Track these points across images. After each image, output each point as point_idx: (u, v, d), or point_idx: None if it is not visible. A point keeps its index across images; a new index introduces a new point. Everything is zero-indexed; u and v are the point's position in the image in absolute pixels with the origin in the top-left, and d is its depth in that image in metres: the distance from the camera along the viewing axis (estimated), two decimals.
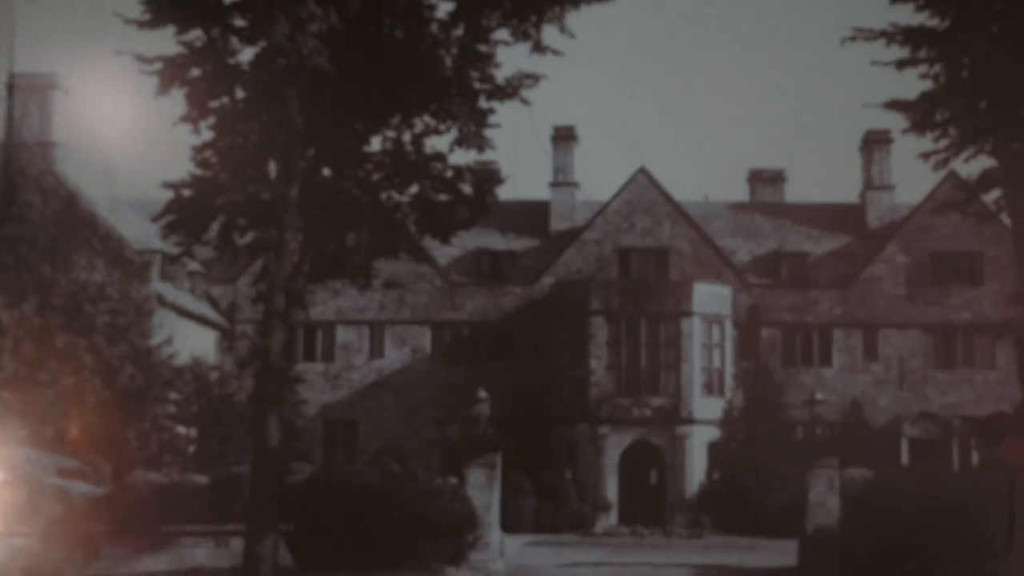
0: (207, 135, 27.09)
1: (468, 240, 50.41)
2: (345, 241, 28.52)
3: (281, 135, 26.63)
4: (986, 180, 30.17)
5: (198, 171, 27.25)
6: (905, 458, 50.16)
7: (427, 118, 27.76)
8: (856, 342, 52.40)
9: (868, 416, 51.34)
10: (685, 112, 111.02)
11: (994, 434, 8.67)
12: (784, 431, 49.79)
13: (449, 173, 28.30)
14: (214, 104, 26.88)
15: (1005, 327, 33.57)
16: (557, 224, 56.32)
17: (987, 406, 47.51)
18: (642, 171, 54.91)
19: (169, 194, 27.48)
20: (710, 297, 50.72)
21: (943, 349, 52.55)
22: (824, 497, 29.03)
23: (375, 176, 28.33)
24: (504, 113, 29.98)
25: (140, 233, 47.10)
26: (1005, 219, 32.77)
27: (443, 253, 50.35)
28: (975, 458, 45.07)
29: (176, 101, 26.74)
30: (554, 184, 56.83)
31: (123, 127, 41.09)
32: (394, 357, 53.13)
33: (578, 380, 50.23)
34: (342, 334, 53.21)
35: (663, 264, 53.84)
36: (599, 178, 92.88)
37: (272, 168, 27.26)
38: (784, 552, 31.48)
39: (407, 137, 27.98)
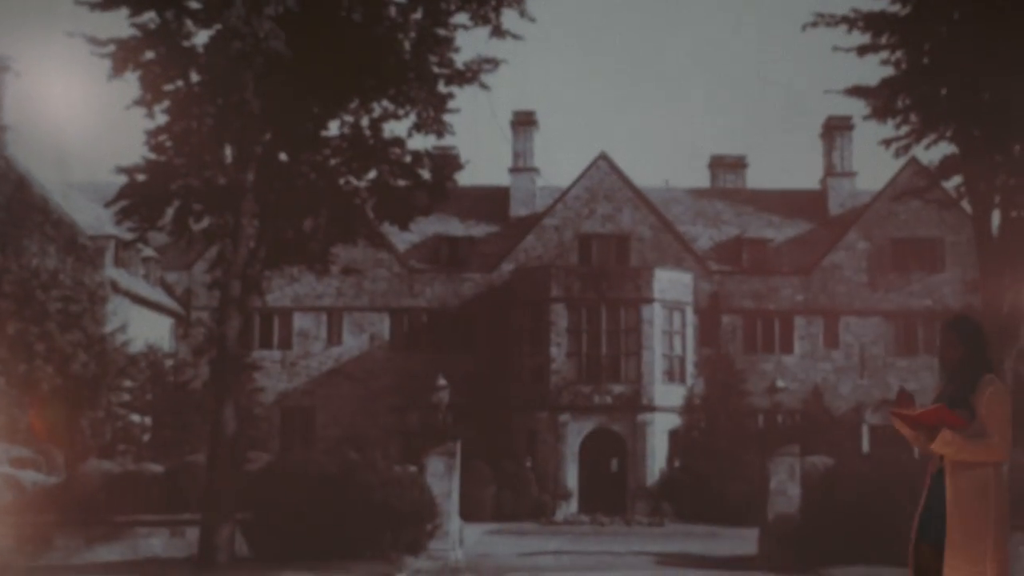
0: (161, 119, 27.00)
1: (427, 226, 50.44)
2: (302, 226, 28.47)
3: (237, 119, 26.55)
4: (947, 167, 30.31)
5: (152, 156, 27.15)
6: (866, 445, 50.46)
7: (385, 103, 27.74)
8: (817, 329, 52.65)
9: (829, 403, 51.62)
10: (646, 98, 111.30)
11: (929, 428, 8.89)
12: (745, 419, 50.00)
13: (408, 158, 28.29)
14: (168, 88, 26.79)
15: (965, 313, 33.76)
16: (517, 210, 56.36)
17: None
18: (603, 157, 54.98)
19: (123, 179, 27.38)
20: (671, 284, 50.86)
21: (904, 336, 52.85)
22: (785, 485, 29.16)
23: (333, 161, 28.28)
24: (463, 98, 29.98)
25: (93, 218, 46.87)
26: (966, 206, 32.96)
27: (402, 239, 50.35)
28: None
29: (130, 84, 26.65)
30: (514, 170, 56.84)
31: (75, 110, 40.85)
32: (352, 344, 53.07)
33: (538, 367, 50.31)
34: (299, 321, 53.12)
35: (624, 250, 53.94)
36: (559, 164, 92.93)
37: (228, 153, 27.19)
38: (745, 540, 31.63)
39: (365, 122, 27.95)
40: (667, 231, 54.01)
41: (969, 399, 9.12)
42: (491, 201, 56.47)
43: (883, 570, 24.82)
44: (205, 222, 27.78)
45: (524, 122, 56.92)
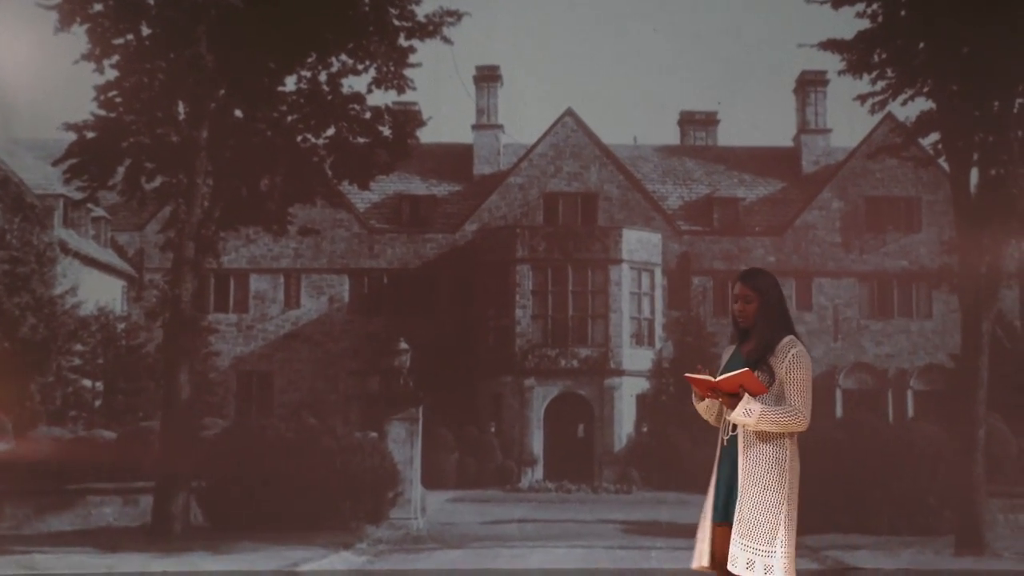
0: (111, 74, 26.85)
1: (388, 185, 50.23)
2: (258, 186, 28.41)
3: (190, 74, 26.42)
4: (924, 123, 30.34)
5: (102, 112, 27.01)
6: (839, 410, 50.71)
7: (344, 57, 27.67)
8: (790, 291, 52.75)
9: None
10: (614, 52, 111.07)
11: (729, 395, 8.54)
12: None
13: (367, 115, 28.25)
14: (118, 41, 26.64)
15: (942, 274, 33.86)
16: (480, 168, 56.21)
17: (923, 356, 48.15)
18: (569, 113, 54.87)
19: (71, 136, 27.22)
20: (640, 244, 50.90)
21: (878, 298, 53.03)
22: None
23: (290, 118, 28.20)
24: (425, 52, 29.82)
25: (41, 177, 46.53)
26: (943, 164, 33.06)
27: (361, 198, 50.17)
28: (911, 409, 45.63)
29: (78, 38, 26.46)
30: (477, 127, 56.64)
31: (21, 65, 40.50)
32: (310, 307, 52.94)
33: (503, 330, 50.31)
34: (256, 283, 52.92)
35: (591, 210, 53.89)
36: (524, 121, 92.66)
37: (181, 109, 27.07)
38: None
39: (323, 77, 27.89)
40: (635, 190, 54.00)
41: (767, 361, 8.63)
42: (454, 159, 56.30)
43: (857, 538, 24.98)
44: (158, 181, 27.70)
45: (488, 77, 56.69)
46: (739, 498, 8.43)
